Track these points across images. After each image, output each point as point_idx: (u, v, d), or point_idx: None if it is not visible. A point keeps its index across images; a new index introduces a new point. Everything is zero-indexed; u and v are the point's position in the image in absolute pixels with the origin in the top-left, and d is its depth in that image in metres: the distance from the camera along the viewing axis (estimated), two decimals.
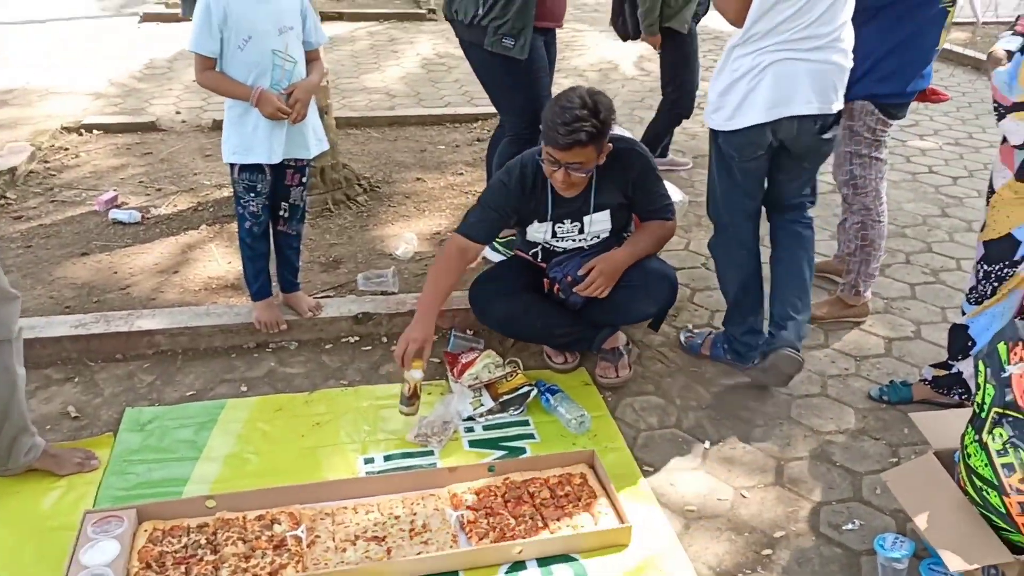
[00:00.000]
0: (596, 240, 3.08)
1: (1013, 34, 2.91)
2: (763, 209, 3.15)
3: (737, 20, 2.76)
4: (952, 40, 8.81)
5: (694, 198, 4.76)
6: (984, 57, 8.13)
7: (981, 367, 2.30)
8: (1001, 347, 2.25)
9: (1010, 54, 2.79)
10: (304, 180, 3.23)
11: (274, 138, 3.00)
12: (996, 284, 2.74)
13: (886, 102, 3.24)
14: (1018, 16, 3.04)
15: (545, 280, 3.19)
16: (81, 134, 5.57)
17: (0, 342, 2.35)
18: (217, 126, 5.50)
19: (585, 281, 2.93)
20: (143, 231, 4.20)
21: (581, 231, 3.04)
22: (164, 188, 4.74)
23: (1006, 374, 2.21)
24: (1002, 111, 2.72)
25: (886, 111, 3.25)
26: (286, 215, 3.23)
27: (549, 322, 3.14)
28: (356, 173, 4.76)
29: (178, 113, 6.16)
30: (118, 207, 4.42)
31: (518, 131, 3.73)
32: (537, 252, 3.15)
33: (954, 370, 2.92)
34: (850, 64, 2.84)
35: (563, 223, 3.03)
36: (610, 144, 2.81)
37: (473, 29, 3.54)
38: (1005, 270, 2.70)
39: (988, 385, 2.24)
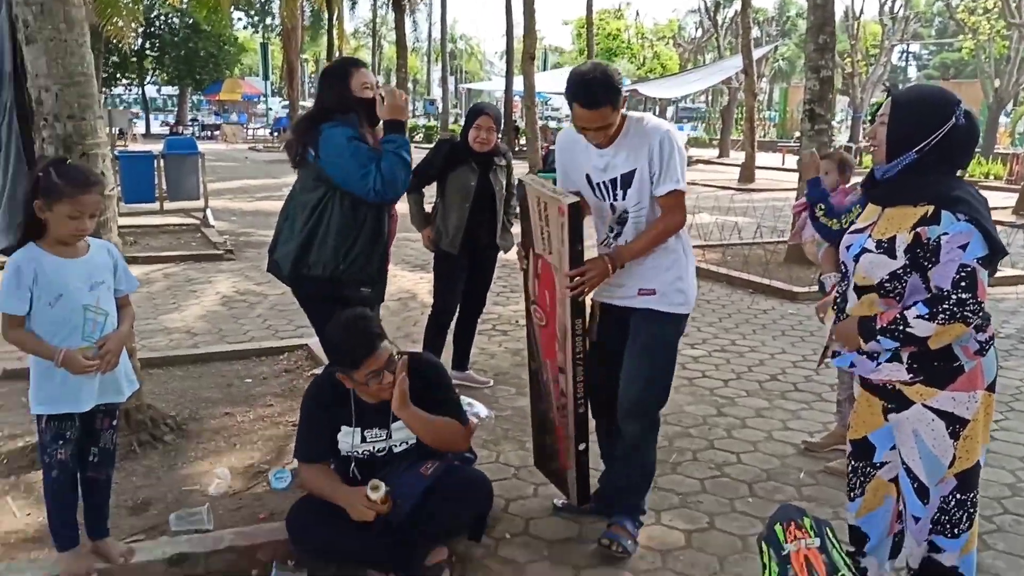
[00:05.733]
0: (405, 447, 3.25)
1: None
2: None
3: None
4: (707, 260, 10.04)
5: (499, 412, 5.05)
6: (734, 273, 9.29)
7: (765, 547, 2.60)
8: (778, 528, 2.57)
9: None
10: (114, 423, 3.20)
11: (83, 388, 2.99)
12: (863, 480, 2.87)
13: None
14: None
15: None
16: None
17: None
18: (8, 375, 5.26)
19: None
20: None
21: (389, 436, 3.25)
22: None
23: (785, 552, 2.52)
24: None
25: None
26: (96, 460, 3.16)
27: (368, 543, 3.18)
28: (162, 413, 4.69)
29: None
30: None
31: None
32: (353, 469, 3.27)
33: (862, 565, 2.95)
34: None
35: (371, 429, 3.24)
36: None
37: (328, 283, 3.75)
38: (868, 469, 2.86)
39: (772, 564, 2.54)
